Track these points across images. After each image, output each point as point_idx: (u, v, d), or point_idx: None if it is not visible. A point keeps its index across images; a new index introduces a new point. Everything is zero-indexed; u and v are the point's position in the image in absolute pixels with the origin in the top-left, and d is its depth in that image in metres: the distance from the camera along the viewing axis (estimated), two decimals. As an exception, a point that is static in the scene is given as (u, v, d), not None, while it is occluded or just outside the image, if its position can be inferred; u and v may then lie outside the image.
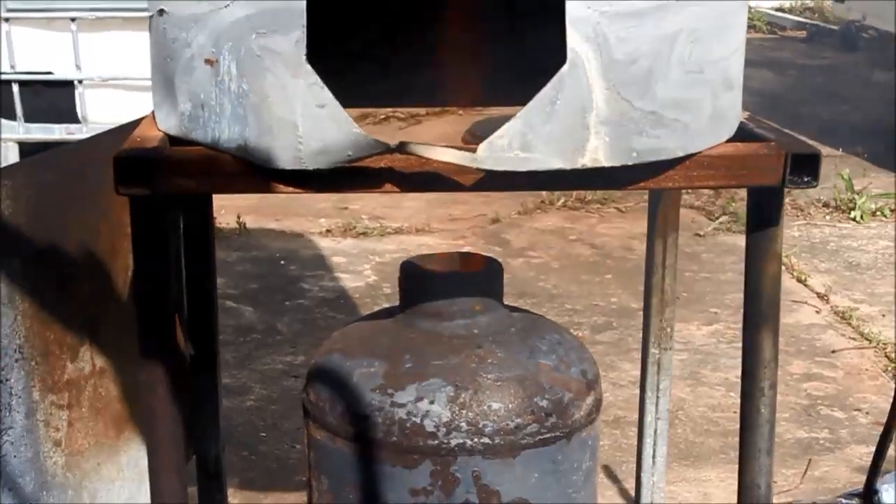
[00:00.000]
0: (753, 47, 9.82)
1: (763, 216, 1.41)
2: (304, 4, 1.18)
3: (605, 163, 1.24)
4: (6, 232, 1.45)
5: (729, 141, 1.38)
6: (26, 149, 5.68)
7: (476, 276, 1.57)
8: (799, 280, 4.30)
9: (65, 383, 1.60)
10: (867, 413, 3.24)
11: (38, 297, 1.51)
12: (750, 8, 11.08)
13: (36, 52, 5.55)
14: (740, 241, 1.44)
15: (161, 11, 1.34)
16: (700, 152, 1.32)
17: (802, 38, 10.23)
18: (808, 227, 4.97)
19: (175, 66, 1.33)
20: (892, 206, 5.15)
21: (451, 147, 1.23)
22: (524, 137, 1.21)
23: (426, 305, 1.54)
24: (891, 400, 1.89)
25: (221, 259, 4.39)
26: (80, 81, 5.57)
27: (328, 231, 4.86)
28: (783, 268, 4.32)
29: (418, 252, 4.53)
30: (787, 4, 11.43)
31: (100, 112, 5.59)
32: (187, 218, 1.80)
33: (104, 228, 1.67)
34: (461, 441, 1.44)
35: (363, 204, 5.04)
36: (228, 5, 1.24)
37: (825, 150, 6.00)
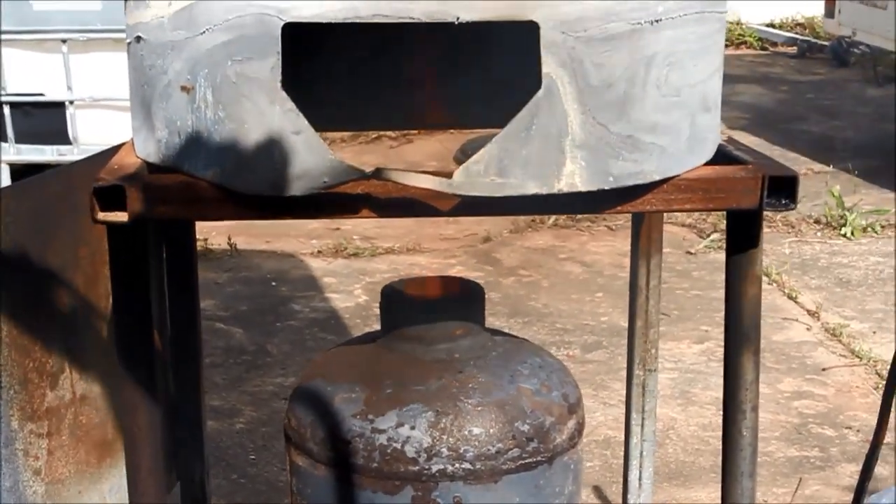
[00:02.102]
0: (745, 63, 9.86)
1: (742, 239, 1.41)
2: (279, 31, 1.18)
3: (582, 187, 1.24)
4: (-16, 260, 1.45)
5: (707, 163, 1.37)
6: (17, 170, 5.69)
7: (457, 301, 1.56)
8: (790, 297, 4.30)
9: (44, 411, 1.59)
10: (858, 431, 3.24)
11: (16, 324, 1.51)
12: (741, 24, 11.13)
13: (27, 74, 5.57)
14: (731, 259, 1.44)
15: (138, 38, 1.34)
16: (678, 176, 1.32)
17: (793, 54, 10.26)
18: (799, 244, 4.97)
19: (152, 93, 1.33)
20: (883, 223, 5.15)
21: (427, 173, 1.23)
22: (500, 163, 1.21)
23: (407, 330, 1.53)
24: (880, 418, 1.89)
25: (212, 280, 4.39)
26: (71, 102, 5.58)
27: (319, 252, 4.86)
28: (774, 285, 4.34)
29: (409, 272, 4.54)
30: (777, 20, 11.45)
31: (91, 133, 5.60)
32: (170, 242, 1.80)
33: (84, 255, 1.67)
34: (442, 466, 1.43)
35: (354, 224, 5.04)
36: (205, 32, 1.24)
37: (816, 166, 6.09)
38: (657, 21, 1.24)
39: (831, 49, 9.44)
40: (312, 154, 1.20)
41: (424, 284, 1.62)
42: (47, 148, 5.71)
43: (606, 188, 1.26)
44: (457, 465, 1.43)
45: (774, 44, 10.84)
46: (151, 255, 1.47)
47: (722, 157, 1.41)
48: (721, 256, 4.66)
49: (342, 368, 1.56)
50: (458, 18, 1.17)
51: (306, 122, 1.20)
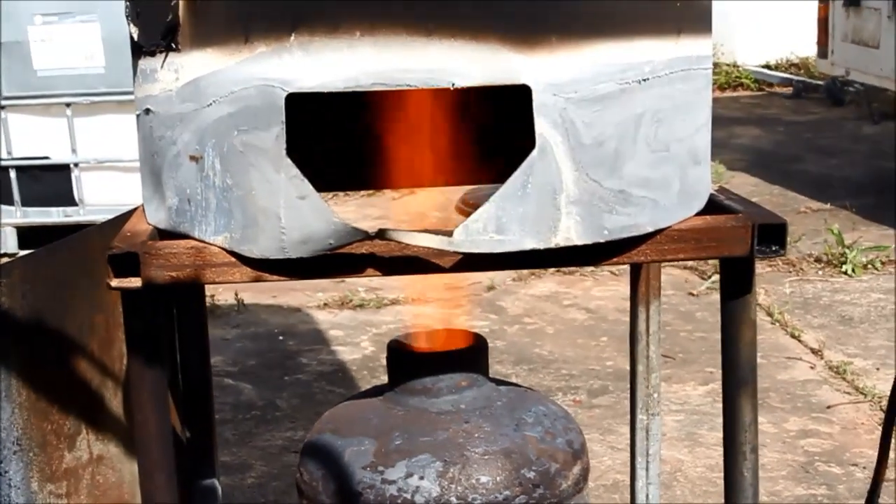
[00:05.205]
0: (742, 105, 9.96)
1: (736, 285, 1.45)
2: (282, 102, 1.23)
3: (578, 241, 1.29)
4: (3, 327, 1.50)
5: (699, 214, 1.42)
6: (23, 232, 5.76)
7: (461, 353, 1.61)
8: (793, 336, 4.34)
9: (63, 472, 1.63)
10: (864, 468, 3.26)
11: (35, 389, 1.55)
12: (738, 66, 11.25)
13: (32, 138, 5.66)
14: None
15: (147, 111, 1.40)
16: (671, 227, 1.37)
17: (789, 95, 10.36)
18: (801, 282, 5.01)
19: (162, 163, 1.39)
20: (884, 259, 5.19)
21: (429, 232, 1.28)
22: (498, 220, 1.26)
23: (413, 383, 1.57)
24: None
25: (219, 337, 4.43)
26: (76, 165, 5.66)
27: (325, 304, 4.90)
28: (777, 324, 4.37)
29: (415, 322, 4.58)
30: (772, 62, 11.57)
31: (96, 194, 5.69)
32: (180, 303, 1.85)
33: (99, 320, 1.72)
34: (452, 515, 1.47)
35: (351, 278, 5.08)
36: (211, 104, 1.29)
37: (815, 204, 6.15)
38: (645, 80, 1.30)
39: (826, 88, 9.52)
40: (318, 218, 1.26)
41: (429, 337, 1.66)
42: (53, 210, 5.79)
43: (602, 241, 1.31)
44: (466, 514, 1.47)
45: (770, 84, 10.95)
46: (164, 318, 1.52)
47: (713, 206, 1.46)
48: (723, 298, 4.73)
49: (351, 422, 1.60)
50: (453, 84, 1.23)
51: (311, 187, 1.25)
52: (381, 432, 1.54)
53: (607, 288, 5.04)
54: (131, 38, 1.40)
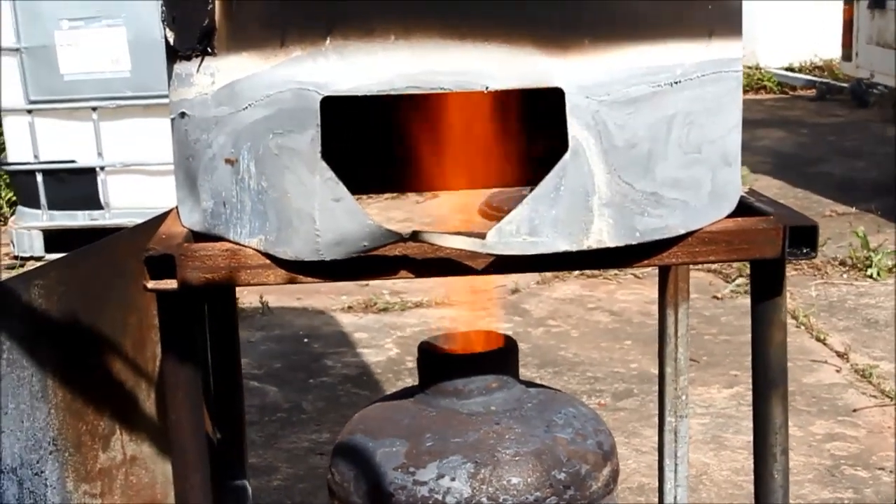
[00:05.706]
0: (766, 107, 9.93)
1: (766, 287, 1.46)
2: (317, 105, 1.24)
3: (610, 243, 1.30)
4: (39, 329, 1.52)
5: (730, 216, 1.43)
6: (50, 235, 5.81)
7: (492, 355, 1.61)
8: (818, 339, 4.32)
9: (97, 472, 1.65)
10: (891, 472, 3.25)
11: (70, 390, 1.57)
12: (760, 69, 11.21)
13: (59, 142, 5.70)
14: (757, 303, 1.49)
15: (183, 114, 1.41)
16: (702, 228, 1.37)
17: (813, 97, 10.33)
18: (826, 286, 4.99)
19: (197, 166, 1.40)
20: (910, 262, 5.18)
21: (462, 234, 1.29)
22: (531, 223, 1.27)
23: (444, 385, 1.58)
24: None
25: (245, 339, 4.45)
26: (102, 168, 5.69)
27: (350, 307, 4.92)
28: (802, 328, 4.35)
29: (439, 325, 4.59)
30: (796, 64, 11.53)
31: (122, 197, 5.72)
32: (212, 306, 1.86)
33: (132, 321, 1.74)
34: (483, 516, 1.48)
35: (384, 279, 5.09)
36: (247, 107, 1.30)
37: (839, 207, 6.12)
38: (677, 82, 1.30)
39: (851, 90, 9.49)
40: (352, 220, 1.27)
41: (460, 339, 1.67)
42: (79, 213, 5.83)
43: (633, 243, 1.31)
44: (497, 515, 1.48)
45: (794, 87, 10.91)
46: (197, 320, 1.53)
47: (744, 208, 1.47)
48: (747, 301, 4.69)
49: (382, 423, 1.61)
50: (486, 87, 1.24)
51: (345, 189, 1.26)
52: (412, 433, 1.55)
53: (631, 291, 5.03)
54: (166, 42, 1.41)
